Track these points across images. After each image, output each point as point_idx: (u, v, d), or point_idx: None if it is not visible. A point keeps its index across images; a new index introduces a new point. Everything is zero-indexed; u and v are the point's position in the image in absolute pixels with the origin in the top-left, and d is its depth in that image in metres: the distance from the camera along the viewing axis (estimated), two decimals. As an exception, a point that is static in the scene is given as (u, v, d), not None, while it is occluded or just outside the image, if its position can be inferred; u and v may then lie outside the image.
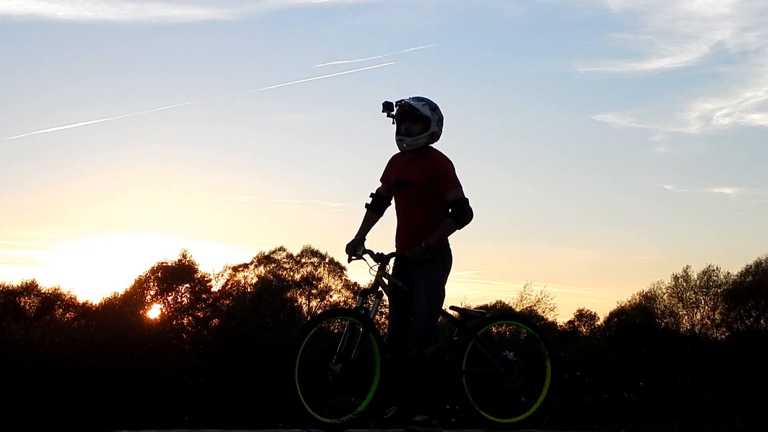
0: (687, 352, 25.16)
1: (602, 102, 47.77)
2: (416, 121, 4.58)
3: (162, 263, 27.93)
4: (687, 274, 29.87)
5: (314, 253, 30.72)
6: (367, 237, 4.82)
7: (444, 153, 4.69)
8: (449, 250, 4.69)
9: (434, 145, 4.72)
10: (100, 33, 42.02)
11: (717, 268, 29.68)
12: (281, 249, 30.89)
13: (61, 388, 20.07)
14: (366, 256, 4.68)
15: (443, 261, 4.65)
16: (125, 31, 42.14)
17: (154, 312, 27.03)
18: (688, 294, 29.72)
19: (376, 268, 4.61)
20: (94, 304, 27.10)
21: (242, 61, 45.77)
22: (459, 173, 4.61)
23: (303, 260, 30.69)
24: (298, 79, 46.80)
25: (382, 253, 4.65)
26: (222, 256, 50.96)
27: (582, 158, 46.96)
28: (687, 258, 52.36)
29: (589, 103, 47.87)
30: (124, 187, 44.22)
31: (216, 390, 20.83)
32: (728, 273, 29.65)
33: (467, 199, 4.57)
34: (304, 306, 29.81)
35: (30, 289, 26.40)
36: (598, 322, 32.21)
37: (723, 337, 29.24)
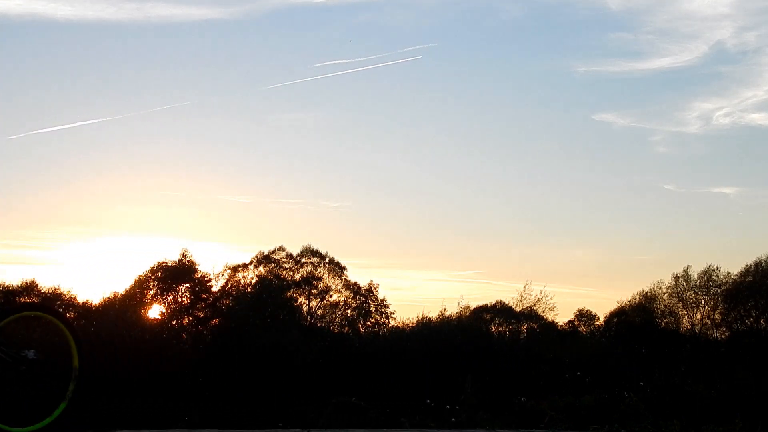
0: (687, 352, 25.14)
1: (602, 102, 47.87)
2: None
3: (162, 263, 27.96)
4: (687, 274, 29.90)
5: (314, 253, 30.72)
6: None
7: None
8: None
9: None
10: (99, 33, 42.12)
11: (717, 268, 29.74)
12: (281, 249, 30.92)
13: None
14: None
15: None
16: (125, 31, 42.24)
17: (154, 312, 27.06)
18: (688, 294, 29.74)
19: None
20: (94, 304, 27.15)
21: (242, 61, 45.88)
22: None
23: (303, 260, 30.69)
24: (298, 79, 46.83)
25: None
26: (222, 256, 51.00)
27: (582, 158, 47.02)
28: (687, 258, 52.42)
29: (589, 103, 47.95)
30: (125, 187, 44.25)
31: (216, 390, 20.81)
32: (728, 273, 29.71)
33: None
34: (304, 306, 29.79)
35: (30, 289, 26.43)
36: (598, 322, 32.21)
37: (723, 337, 29.24)
